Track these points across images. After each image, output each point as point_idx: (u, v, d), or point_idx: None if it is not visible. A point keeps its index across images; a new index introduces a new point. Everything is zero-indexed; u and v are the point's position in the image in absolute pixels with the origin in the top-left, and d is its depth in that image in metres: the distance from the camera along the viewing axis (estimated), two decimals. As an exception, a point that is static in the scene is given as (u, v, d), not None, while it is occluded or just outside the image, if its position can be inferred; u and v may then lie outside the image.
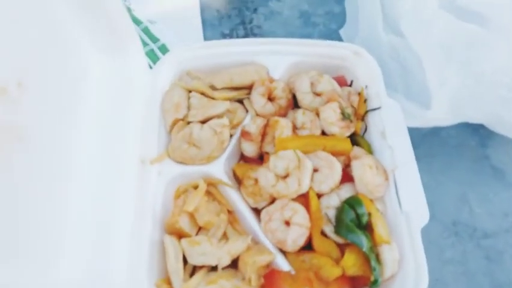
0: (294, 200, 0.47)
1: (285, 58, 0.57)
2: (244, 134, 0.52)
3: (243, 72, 0.56)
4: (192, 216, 0.48)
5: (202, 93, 0.56)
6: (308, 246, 0.47)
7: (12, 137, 0.38)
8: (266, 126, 0.52)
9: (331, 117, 0.51)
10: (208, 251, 0.45)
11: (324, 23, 0.77)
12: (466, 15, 0.53)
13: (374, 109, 0.53)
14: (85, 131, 0.47)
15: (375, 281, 0.43)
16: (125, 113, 0.51)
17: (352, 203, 0.46)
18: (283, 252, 0.46)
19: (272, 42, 0.58)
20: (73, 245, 0.42)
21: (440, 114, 0.54)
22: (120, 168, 0.48)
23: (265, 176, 0.48)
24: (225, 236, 0.48)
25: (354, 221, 0.45)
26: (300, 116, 0.53)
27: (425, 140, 0.64)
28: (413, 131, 0.51)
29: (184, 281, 0.44)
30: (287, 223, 0.46)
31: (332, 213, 0.46)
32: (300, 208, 0.46)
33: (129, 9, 0.73)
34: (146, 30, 0.71)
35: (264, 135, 0.52)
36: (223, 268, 0.45)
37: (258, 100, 0.54)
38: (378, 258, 0.43)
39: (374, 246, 0.44)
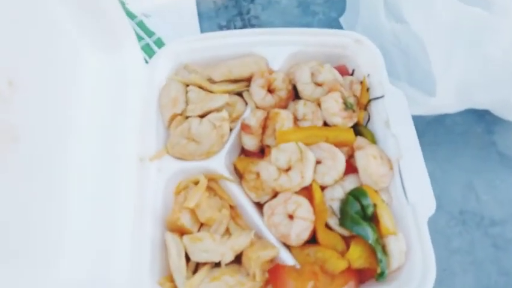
0: (297, 193, 0.46)
1: (284, 48, 0.56)
2: (244, 127, 0.51)
3: (241, 64, 0.55)
4: (193, 212, 0.47)
5: (200, 87, 0.55)
6: (313, 240, 0.46)
7: (6, 137, 0.38)
8: (266, 118, 0.51)
9: (333, 108, 0.50)
10: (210, 247, 0.44)
11: (323, 11, 0.75)
12: (470, -2, 0.52)
13: (377, 98, 0.51)
14: (81, 129, 0.46)
15: (382, 273, 0.42)
16: (122, 110, 0.50)
17: (357, 194, 0.45)
18: (288, 247, 0.46)
19: (270, 32, 0.57)
20: (73, 245, 0.41)
21: (445, 101, 0.53)
22: (119, 166, 0.47)
23: (267, 169, 0.47)
24: (227, 232, 0.48)
25: (359, 213, 0.44)
26: (301, 107, 0.52)
27: (429, 128, 0.62)
28: (417, 119, 0.50)
29: (187, 278, 0.43)
30: (291, 217, 0.45)
31: (336, 206, 0.45)
32: (303, 201, 0.45)
33: (123, 3, 0.71)
34: (141, 24, 0.70)
35: (264, 128, 0.51)
36: (227, 264, 0.44)
37: (257, 92, 0.53)
38: (384, 250, 0.43)
39: (380, 237, 0.43)
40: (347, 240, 0.45)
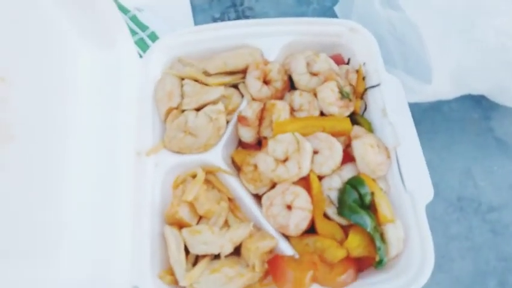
0: (295, 183, 0.46)
1: (279, 39, 0.56)
2: (241, 119, 0.51)
3: (236, 55, 0.55)
4: (191, 205, 0.47)
5: (196, 80, 0.54)
6: (311, 230, 0.46)
7: (3, 136, 0.37)
8: (263, 110, 0.51)
9: (329, 97, 0.50)
10: (209, 239, 0.44)
11: (317, 0, 0.75)
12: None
13: (373, 86, 0.51)
14: (77, 125, 0.46)
15: (381, 261, 0.42)
16: (117, 105, 0.50)
17: (354, 183, 0.45)
18: (287, 237, 0.46)
19: (265, 23, 0.56)
20: (73, 242, 0.41)
21: (442, 88, 0.52)
22: (116, 161, 0.47)
23: (264, 160, 0.47)
24: (226, 224, 0.48)
25: (357, 202, 0.44)
26: (297, 97, 0.52)
27: (426, 115, 0.62)
28: (414, 107, 0.49)
29: (187, 270, 0.44)
30: (289, 207, 0.45)
31: (334, 195, 0.46)
32: (301, 191, 0.45)
33: (116, -2, 0.71)
34: (134, 19, 0.69)
35: (261, 119, 0.51)
36: (226, 256, 0.44)
37: (253, 84, 0.53)
38: (382, 238, 0.43)
39: (378, 225, 0.43)
40: (345, 229, 0.45)
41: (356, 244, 0.43)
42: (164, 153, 0.50)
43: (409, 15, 0.54)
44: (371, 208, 0.45)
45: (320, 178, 0.47)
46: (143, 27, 0.68)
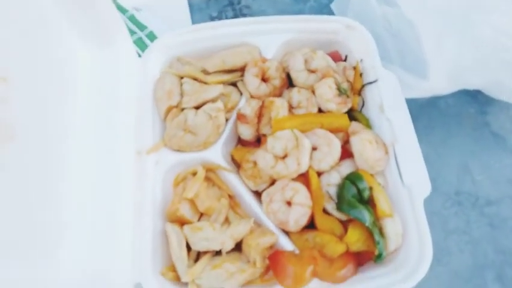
0: (294, 179, 0.47)
1: (277, 36, 0.56)
2: (240, 117, 0.51)
3: (234, 54, 0.55)
4: (192, 203, 0.48)
5: (195, 79, 0.55)
6: (311, 225, 0.46)
7: (4, 136, 0.38)
8: (262, 107, 0.51)
9: (327, 94, 0.50)
10: (211, 236, 0.44)
11: (314, -2, 0.75)
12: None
13: (371, 82, 0.52)
14: (77, 124, 0.46)
15: (380, 255, 0.43)
16: (117, 104, 0.50)
17: (353, 178, 0.45)
18: (287, 233, 0.46)
19: (262, 21, 0.56)
20: (73, 242, 0.41)
21: (438, 83, 0.53)
22: (116, 160, 0.47)
23: (263, 157, 0.47)
24: (227, 221, 0.48)
25: (355, 197, 0.44)
26: (295, 94, 0.52)
27: (423, 111, 0.63)
28: (411, 102, 0.50)
29: (189, 267, 0.44)
30: (289, 203, 0.45)
31: (333, 191, 0.46)
32: (300, 187, 0.46)
33: (113, -2, 0.71)
34: (132, 18, 0.69)
35: (260, 117, 0.51)
36: (227, 252, 0.45)
37: (251, 81, 0.53)
38: (381, 232, 0.43)
39: (376, 220, 0.44)
40: (344, 224, 0.45)
41: (355, 239, 0.43)
42: (164, 151, 0.50)
43: (405, 11, 0.54)
44: (369, 203, 0.45)
45: (319, 174, 0.47)
46: (142, 27, 0.68)
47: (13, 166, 0.38)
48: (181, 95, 0.54)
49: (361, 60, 0.54)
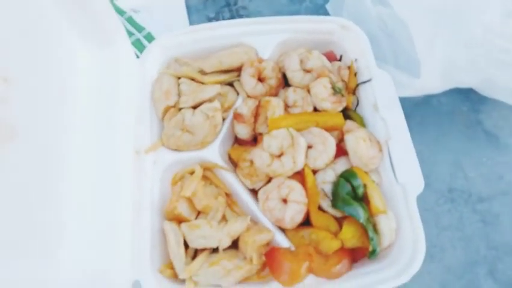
0: (290, 177, 0.47)
1: (273, 37, 0.57)
2: (237, 117, 0.52)
3: (231, 54, 0.56)
4: (190, 201, 0.48)
5: (192, 79, 0.55)
6: (307, 222, 0.47)
7: (5, 135, 0.38)
8: (258, 107, 0.52)
9: (322, 93, 0.51)
10: (208, 233, 0.45)
11: (310, -2, 0.76)
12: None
13: (365, 82, 0.53)
14: (76, 124, 0.47)
15: (374, 251, 0.43)
16: (115, 104, 0.51)
17: (347, 176, 0.46)
18: (283, 230, 0.47)
19: (258, 21, 0.57)
20: (73, 242, 0.42)
21: (431, 82, 0.54)
22: (115, 160, 0.48)
23: (260, 156, 0.48)
24: (224, 219, 0.49)
25: (350, 194, 0.45)
26: (291, 94, 0.53)
27: (416, 109, 0.64)
28: (405, 101, 0.51)
29: (187, 264, 0.45)
30: (284, 201, 0.46)
31: (328, 188, 0.47)
32: (296, 185, 0.46)
33: (111, 0, 0.72)
34: (130, 20, 0.70)
35: (256, 116, 0.52)
36: (224, 249, 0.46)
37: (248, 81, 0.54)
38: (375, 229, 0.44)
39: (371, 217, 0.45)
40: (339, 221, 0.46)
41: (349, 235, 0.44)
42: (162, 151, 0.51)
43: (398, 11, 0.55)
44: (363, 200, 0.46)
45: (314, 172, 0.48)
46: (140, 28, 0.69)
47: (13, 166, 0.38)
48: (179, 95, 0.54)
49: (356, 59, 0.55)
